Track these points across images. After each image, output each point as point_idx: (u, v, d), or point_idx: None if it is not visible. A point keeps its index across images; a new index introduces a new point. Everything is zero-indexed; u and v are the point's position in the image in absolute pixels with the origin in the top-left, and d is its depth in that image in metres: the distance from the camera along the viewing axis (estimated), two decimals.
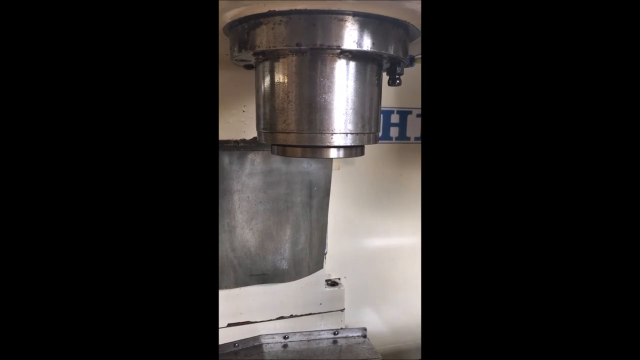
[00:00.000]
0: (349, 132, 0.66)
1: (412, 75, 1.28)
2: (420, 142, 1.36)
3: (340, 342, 1.31)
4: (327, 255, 1.30)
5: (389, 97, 1.30)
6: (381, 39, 0.62)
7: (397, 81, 0.74)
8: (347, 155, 0.70)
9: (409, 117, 1.34)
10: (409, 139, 1.35)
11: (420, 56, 0.79)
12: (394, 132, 1.33)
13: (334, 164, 1.23)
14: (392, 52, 0.64)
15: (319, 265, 1.28)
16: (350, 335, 1.33)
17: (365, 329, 1.34)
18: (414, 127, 1.35)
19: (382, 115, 1.31)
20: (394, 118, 1.32)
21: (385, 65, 0.73)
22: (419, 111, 1.34)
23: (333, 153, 0.68)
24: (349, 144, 0.67)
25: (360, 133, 0.68)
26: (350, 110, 0.65)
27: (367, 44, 0.61)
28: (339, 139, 0.66)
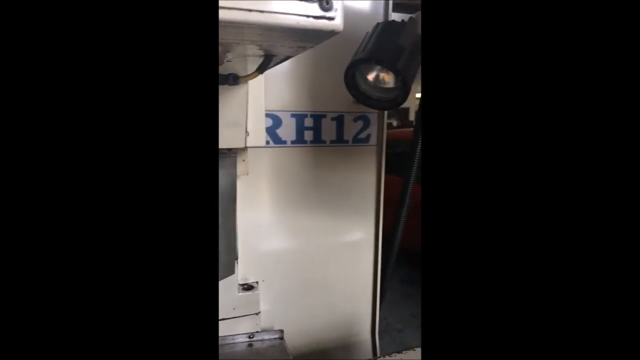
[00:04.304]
0: None
1: (326, 79, 1.28)
2: (336, 145, 1.37)
3: (256, 345, 1.32)
4: (240, 260, 1.30)
5: (302, 101, 1.30)
6: None
7: None
8: None
9: (324, 120, 1.34)
10: (324, 142, 1.36)
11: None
12: (308, 135, 1.33)
13: (241, 170, 1.22)
14: None
15: (229, 270, 1.27)
16: (267, 337, 1.34)
17: (282, 331, 1.35)
18: (329, 130, 1.35)
19: (295, 119, 1.31)
20: (308, 122, 1.32)
21: None
22: (334, 114, 1.34)
23: None
24: None
25: None
26: None
27: None
28: None
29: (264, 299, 1.39)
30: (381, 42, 1.02)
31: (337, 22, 0.49)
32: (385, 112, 1.40)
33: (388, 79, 1.09)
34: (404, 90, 1.04)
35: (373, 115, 1.40)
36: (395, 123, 9.91)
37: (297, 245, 1.43)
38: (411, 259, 4.19)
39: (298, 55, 1.25)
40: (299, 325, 1.48)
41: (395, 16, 1.30)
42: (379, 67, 1.06)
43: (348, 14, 1.33)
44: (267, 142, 1.27)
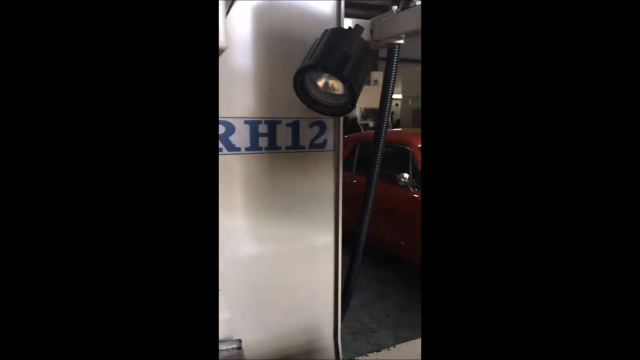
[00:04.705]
0: None
1: (280, 85, 1.27)
2: (292, 151, 1.36)
3: None
4: None
5: (256, 107, 1.29)
6: None
7: None
8: None
9: (279, 126, 1.33)
10: (279, 148, 1.35)
11: None
12: (262, 142, 1.32)
13: None
14: None
15: None
16: (224, 348, 1.32)
17: (240, 341, 1.34)
18: (284, 136, 1.34)
19: (248, 126, 1.29)
20: (262, 128, 1.31)
21: None
22: (289, 120, 1.34)
23: None
24: None
25: None
26: None
27: None
28: None
29: (224, 308, 1.37)
30: (328, 49, 1.02)
31: (220, 39, 0.48)
32: (341, 118, 1.39)
33: (337, 85, 1.09)
34: (351, 97, 1.04)
35: (329, 120, 1.39)
36: (371, 124, 9.99)
37: (255, 252, 1.42)
38: (386, 259, 4.23)
39: (251, 62, 1.25)
40: (260, 333, 1.46)
41: (349, 22, 1.30)
42: (326, 74, 1.05)
43: (303, 17, 1.32)
44: (220, 150, 1.25)
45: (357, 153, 4.52)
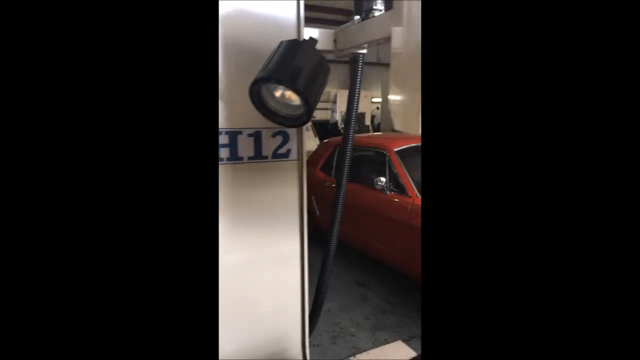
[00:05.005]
0: None
1: (240, 95, 1.27)
2: (254, 161, 1.36)
3: None
4: None
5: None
6: None
7: None
8: None
9: (240, 137, 1.33)
10: (242, 159, 1.34)
11: None
12: (224, 153, 1.31)
13: None
14: None
15: None
16: None
17: None
18: (246, 146, 1.34)
19: None
20: (223, 139, 1.30)
21: None
22: (250, 131, 1.33)
23: None
24: None
25: None
26: None
27: None
28: None
29: None
30: (282, 62, 1.02)
31: None
32: (304, 127, 1.40)
33: (294, 97, 1.09)
34: (307, 108, 1.05)
35: (292, 130, 1.40)
36: None
37: (220, 263, 1.40)
38: (365, 262, 4.24)
39: None
40: (225, 347, 1.45)
41: (315, 31, 1.30)
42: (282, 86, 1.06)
43: (263, 26, 1.32)
44: None
45: (335, 158, 4.53)
